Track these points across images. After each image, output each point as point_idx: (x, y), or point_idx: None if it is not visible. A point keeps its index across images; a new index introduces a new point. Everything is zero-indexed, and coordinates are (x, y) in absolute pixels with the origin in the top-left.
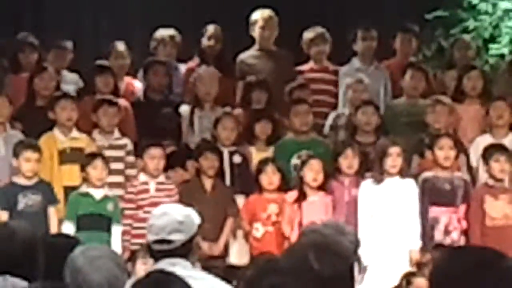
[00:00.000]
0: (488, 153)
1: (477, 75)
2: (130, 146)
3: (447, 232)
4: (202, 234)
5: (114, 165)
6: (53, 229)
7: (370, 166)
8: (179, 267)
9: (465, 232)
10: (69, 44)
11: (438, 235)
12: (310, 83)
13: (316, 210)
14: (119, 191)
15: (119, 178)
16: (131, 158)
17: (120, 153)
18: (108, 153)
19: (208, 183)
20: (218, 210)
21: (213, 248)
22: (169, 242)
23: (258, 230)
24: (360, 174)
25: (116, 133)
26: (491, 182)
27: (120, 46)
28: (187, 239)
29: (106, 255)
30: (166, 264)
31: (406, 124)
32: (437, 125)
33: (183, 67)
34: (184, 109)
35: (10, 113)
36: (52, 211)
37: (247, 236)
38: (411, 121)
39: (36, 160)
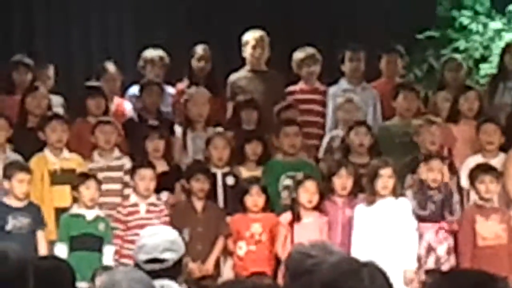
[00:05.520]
0: (473, 174)
1: (474, 96)
2: (128, 165)
3: (431, 248)
4: (194, 254)
5: (112, 186)
6: (42, 252)
7: (364, 187)
8: None
9: (455, 252)
10: (50, 68)
11: (422, 251)
12: (300, 103)
13: (311, 231)
14: (115, 212)
15: (116, 199)
16: (128, 178)
17: (118, 174)
18: (106, 174)
19: (198, 205)
20: (209, 231)
21: (202, 268)
22: (161, 261)
23: (241, 248)
24: (353, 194)
25: (116, 152)
26: (480, 202)
27: (111, 67)
28: (178, 258)
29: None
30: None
31: (400, 145)
32: (428, 145)
33: (169, 89)
34: (177, 130)
35: (9, 135)
36: (40, 234)
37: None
38: (405, 142)
39: (28, 182)
